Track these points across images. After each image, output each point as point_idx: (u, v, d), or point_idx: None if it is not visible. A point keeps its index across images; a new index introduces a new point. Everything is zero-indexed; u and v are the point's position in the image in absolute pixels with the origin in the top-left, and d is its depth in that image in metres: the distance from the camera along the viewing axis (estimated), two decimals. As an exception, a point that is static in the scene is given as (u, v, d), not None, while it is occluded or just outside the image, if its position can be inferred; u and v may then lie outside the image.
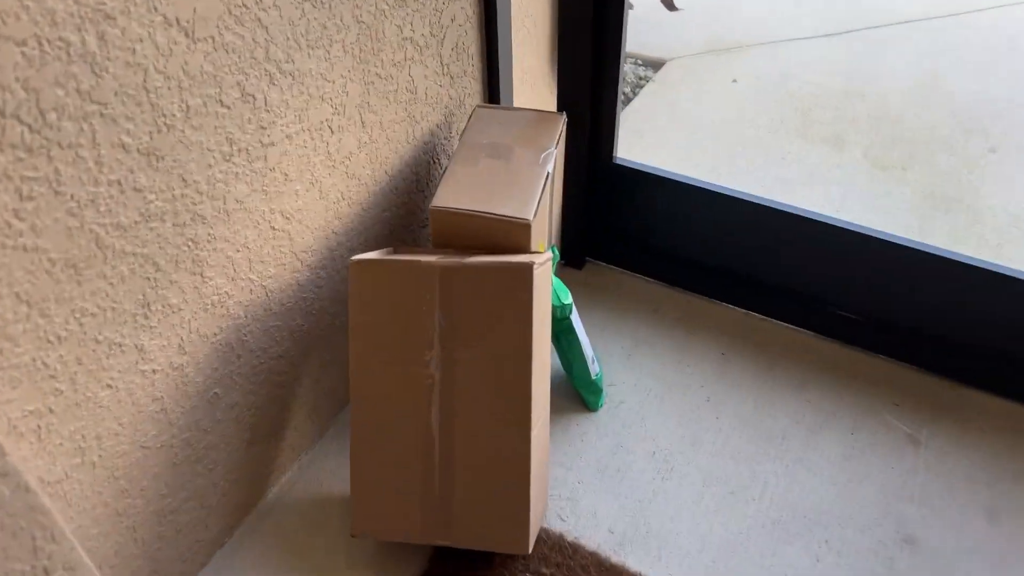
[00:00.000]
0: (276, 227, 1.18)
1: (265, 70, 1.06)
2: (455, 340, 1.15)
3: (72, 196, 0.89)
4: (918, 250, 1.48)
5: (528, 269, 1.12)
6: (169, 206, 1.00)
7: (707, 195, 1.58)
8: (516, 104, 1.72)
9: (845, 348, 1.61)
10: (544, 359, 1.22)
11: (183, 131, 0.98)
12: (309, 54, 1.12)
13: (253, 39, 1.03)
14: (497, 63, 1.53)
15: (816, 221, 1.51)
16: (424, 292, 1.15)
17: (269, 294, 1.21)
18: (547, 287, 1.23)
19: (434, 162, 1.50)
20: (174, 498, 1.17)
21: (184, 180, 1.01)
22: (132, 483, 1.09)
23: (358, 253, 1.37)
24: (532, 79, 1.79)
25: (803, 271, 1.59)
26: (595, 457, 1.42)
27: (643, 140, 2.21)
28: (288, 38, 1.08)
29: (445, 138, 1.51)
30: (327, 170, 1.23)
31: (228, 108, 1.03)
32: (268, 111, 1.09)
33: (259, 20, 1.03)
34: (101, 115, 0.88)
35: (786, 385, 1.54)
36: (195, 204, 1.03)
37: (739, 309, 1.69)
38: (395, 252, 1.30)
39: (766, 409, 1.50)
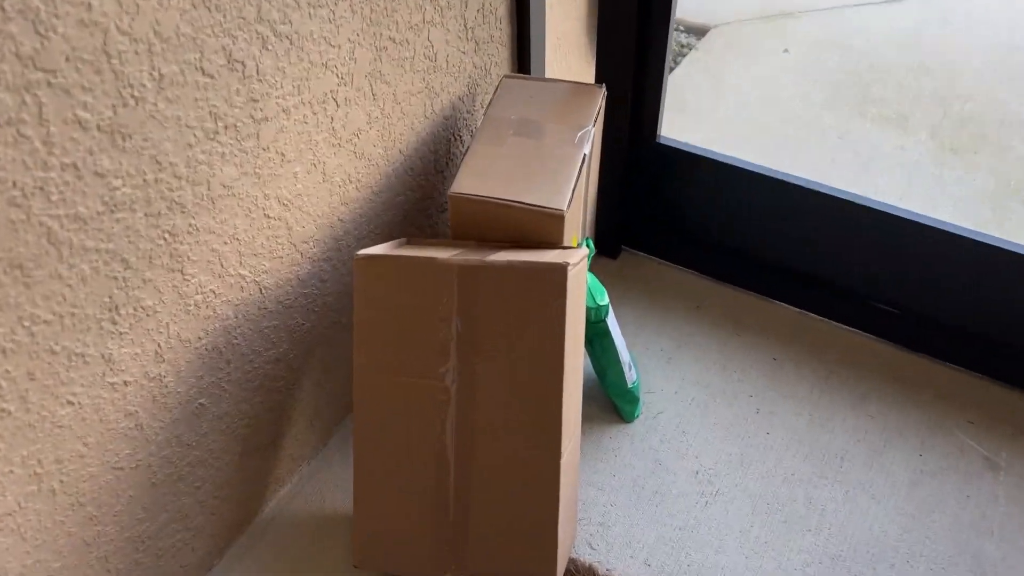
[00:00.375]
0: (271, 215, 1.02)
1: (257, 32, 0.90)
2: (474, 350, 0.99)
3: (14, 183, 0.73)
4: (995, 246, 1.30)
5: (562, 271, 0.96)
6: (140, 193, 0.85)
7: (759, 180, 1.40)
8: (549, 75, 1.54)
9: (913, 355, 1.43)
10: (576, 371, 1.07)
11: (155, 104, 0.82)
12: (310, 14, 0.96)
13: (241, -5, 0.86)
14: (528, 27, 1.36)
15: (880, 212, 1.34)
16: (440, 294, 0.99)
17: (264, 291, 1.06)
18: (582, 289, 1.07)
19: (455, 139, 1.33)
20: (153, 522, 1.03)
21: (158, 163, 0.85)
22: (102, 509, 0.96)
23: (367, 244, 1.21)
24: (567, 46, 1.61)
25: (865, 267, 1.41)
26: (630, 476, 1.27)
27: (683, 115, 2.02)
28: (284, -6, 0.91)
29: (468, 112, 1.34)
30: (332, 149, 1.07)
31: (211, 77, 0.87)
32: (261, 81, 0.93)
33: (248, -28, 0.86)
34: (49, 85, 0.73)
35: (846, 397, 1.37)
36: (172, 190, 0.88)
37: (793, 308, 1.51)
38: (408, 244, 1.14)
39: (823, 424, 1.33)
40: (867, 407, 1.36)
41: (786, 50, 2.24)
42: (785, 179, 1.38)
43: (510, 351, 0.98)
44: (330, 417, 1.30)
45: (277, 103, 0.96)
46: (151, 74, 0.81)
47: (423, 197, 1.31)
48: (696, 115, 2.02)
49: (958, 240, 1.30)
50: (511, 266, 0.97)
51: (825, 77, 2.13)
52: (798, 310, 1.51)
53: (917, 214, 1.33)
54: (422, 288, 0.99)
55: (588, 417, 1.34)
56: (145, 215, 0.86)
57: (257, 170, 0.97)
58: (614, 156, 1.47)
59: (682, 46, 2.30)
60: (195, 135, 0.88)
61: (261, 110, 0.95)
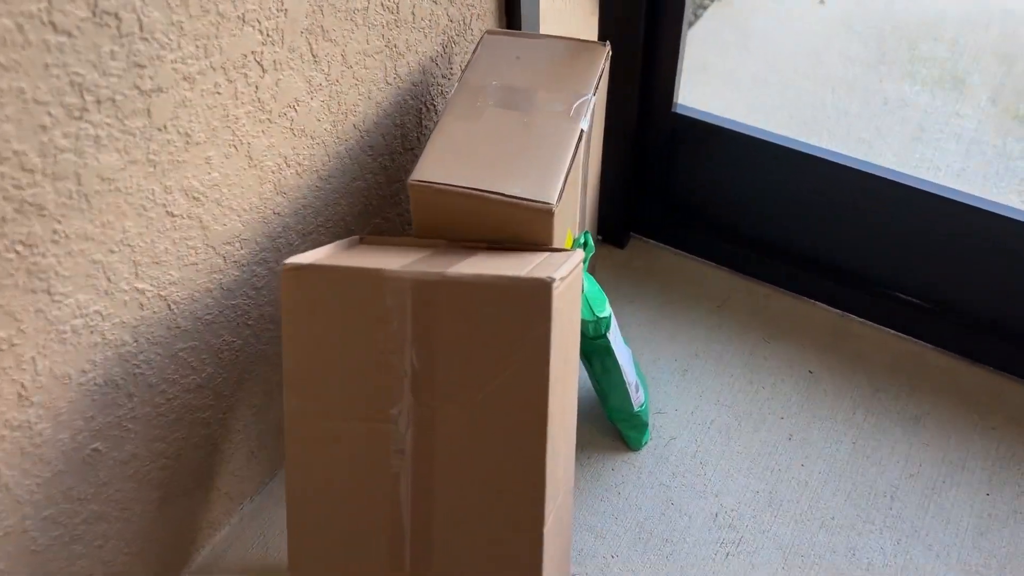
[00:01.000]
0: (176, 212, 0.80)
1: (134, -27, 0.67)
2: (434, 389, 0.77)
3: None
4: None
5: (545, 289, 0.73)
6: (-30, 193, 0.63)
7: (792, 156, 1.16)
8: (544, 29, 1.30)
9: (977, 367, 1.20)
10: (567, 407, 0.85)
11: (-19, 73, 0.60)
12: (215, -50, 0.72)
13: (105, -79, 0.63)
14: (518, -28, 1.11)
15: (936, 195, 1.10)
16: (389, 317, 0.77)
17: (173, 307, 0.84)
18: (575, 305, 0.84)
19: (427, 109, 1.10)
20: (38, 595, 0.83)
21: (-5, 151, 0.63)
22: (-41, 591, 0.75)
23: (315, 241, 0.99)
24: (567, -4, 1.36)
25: (919, 261, 1.17)
26: (636, 520, 1.05)
27: (705, 77, 1.77)
28: (172, -78, 0.68)
29: (443, 76, 1.11)
30: (258, 126, 0.85)
31: (69, 35, 0.64)
32: (148, 39, 0.70)
33: None
34: None
35: (896, 419, 1.15)
36: (21, 188, 0.66)
37: (832, 309, 1.28)
38: (360, 246, 0.92)
39: (869, 454, 1.11)
40: (922, 433, 1.13)
41: (823, 1, 1.97)
42: (822, 155, 1.14)
43: (479, 390, 0.76)
44: (276, 446, 1.09)
45: (175, 69, 0.73)
46: (-31, 31, 0.58)
47: (389, 180, 1.08)
48: (719, 78, 1.77)
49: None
50: (480, 282, 0.75)
51: (868, 32, 1.86)
52: (839, 312, 1.28)
53: (980, 199, 1.09)
54: (366, 309, 0.77)
55: (587, 443, 1.13)
56: (-19, 222, 0.64)
57: (151, 156, 0.75)
58: (622, 128, 1.23)
59: (704, -3, 2.03)
60: (50, 113, 0.65)
61: (151, 78, 0.72)
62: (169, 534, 0.97)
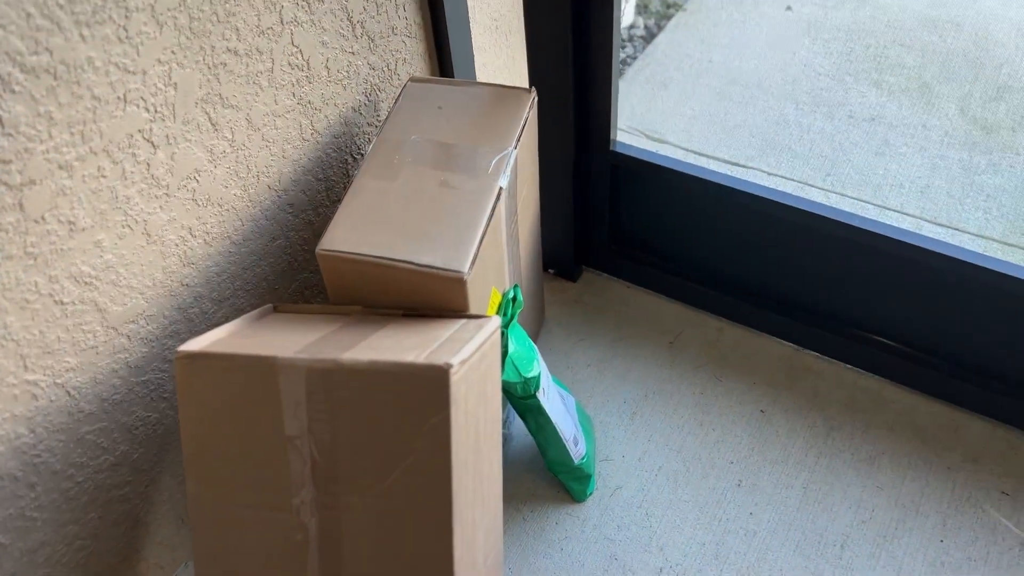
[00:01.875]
0: (65, 300, 0.77)
1: (-10, 69, 0.64)
2: (336, 479, 0.74)
3: None
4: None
5: (442, 377, 0.70)
6: None
7: (736, 195, 1.12)
8: (482, 67, 1.26)
9: (933, 402, 1.17)
10: (484, 483, 0.82)
11: None
12: (82, 35, 0.69)
13: (-53, 21, 0.60)
14: (442, 10, 1.08)
15: (889, 238, 1.05)
16: (285, 405, 0.74)
17: (73, 392, 0.82)
18: (488, 380, 0.81)
19: (353, 159, 1.07)
20: None
21: None
22: None
23: (232, 306, 0.96)
24: (504, 28, 1.32)
25: (873, 296, 1.14)
26: (577, 578, 1.03)
27: (667, 92, 1.73)
28: (29, 14, 0.65)
29: (369, 124, 1.07)
30: (155, 202, 0.82)
31: (-83, 140, 0.61)
32: (11, 134, 0.67)
33: (-45, -13, 0.60)
34: None
35: (849, 461, 1.11)
36: None
37: (786, 343, 1.25)
38: (272, 316, 0.89)
39: (821, 499, 1.08)
40: (876, 475, 1.10)
41: (789, 7, 1.92)
42: (767, 196, 1.10)
43: (381, 480, 0.74)
44: (189, 522, 1.06)
45: (47, 159, 0.70)
46: None
47: (315, 235, 1.05)
48: (680, 95, 1.72)
49: (985, 274, 1.02)
50: (375, 369, 0.72)
51: (835, 38, 1.81)
52: (793, 346, 1.24)
53: (935, 241, 1.05)
54: (261, 397, 0.74)
55: (529, 496, 1.10)
56: None
57: (30, 249, 0.72)
58: (560, 167, 1.19)
59: (668, 6, 1.98)
60: (-96, 222, 0.63)
61: (20, 172, 0.69)
62: (94, 612, 0.95)
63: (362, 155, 1.08)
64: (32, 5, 0.65)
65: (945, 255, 1.03)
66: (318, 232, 1.05)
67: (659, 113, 1.68)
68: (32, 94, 0.67)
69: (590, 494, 1.10)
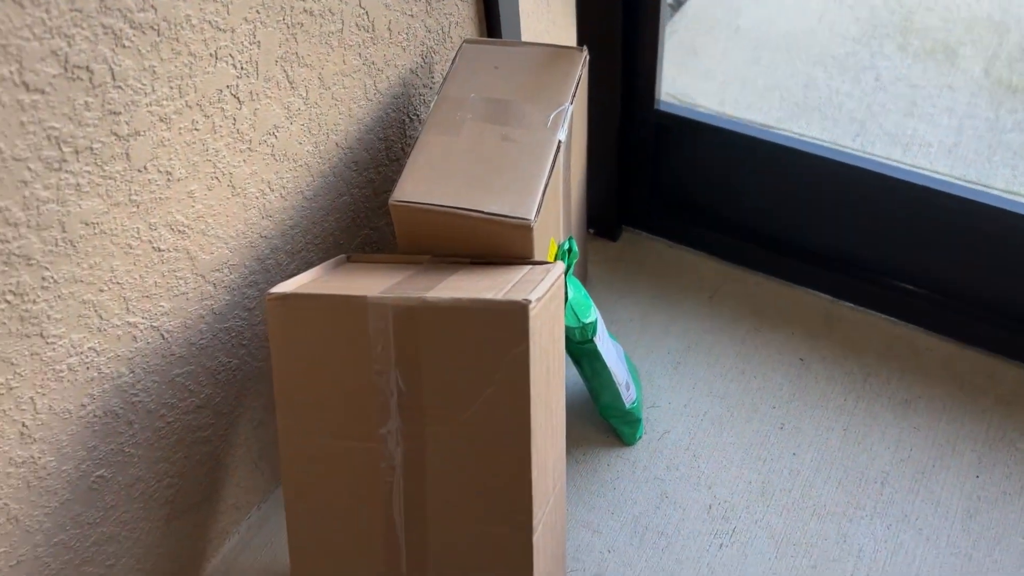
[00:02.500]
0: (162, 247, 0.82)
1: (103, 26, 0.68)
2: (421, 409, 0.80)
3: None
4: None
5: (522, 312, 0.75)
6: (-41, 251, 0.65)
7: (776, 150, 1.17)
8: (527, 30, 1.30)
9: (967, 350, 1.21)
10: (553, 414, 0.87)
11: (-41, 137, 0.62)
12: (182, -7, 0.74)
13: (70, -21, 0.65)
14: (494, -23, 1.12)
15: (922, 186, 1.10)
16: (373, 342, 0.79)
17: (167, 336, 0.87)
18: (557, 318, 0.86)
19: (410, 120, 1.11)
20: (54, 616, 0.87)
21: (-21, 209, 0.65)
22: (-23, 619, 0.79)
23: (304, 259, 1.01)
24: (547, -6, 1.36)
25: (908, 246, 1.18)
26: (631, 514, 1.08)
27: (696, 60, 1.76)
28: (138, -28, 0.69)
29: (425, 85, 1.12)
30: (239, 156, 0.87)
31: (42, 92, 0.66)
32: (121, 87, 0.72)
33: (77, -53, 0.65)
34: None
35: (886, 404, 1.16)
36: (6, 242, 0.68)
37: (823, 295, 1.29)
38: (347, 266, 0.94)
39: (859, 440, 1.13)
40: (912, 417, 1.15)
41: (814, -27, 1.95)
42: (805, 148, 1.14)
43: (464, 409, 0.79)
44: (278, 457, 1.12)
45: (150, 112, 0.75)
46: (-56, 99, 0.60)
47: (376, 192, 1.10)
48: (710, 61, 1.76)
49: (1017, 219, 1.07)
50: (459, 306, 0.77)
51: (860, 3, 1.85)
52: (829, 297, 1.29)
53: (965, 187, 1.09)
54: (350, 335, 0.79)
55: (581, 440, 1.15)
56: (-29, 277, 0.67)
57: (133, 197, 0.77)
58: (605, 127, 1.23)
59: (694, -26, 2.01)
60: (29, 168, 0.68)
61: (127, 123, 0.74)
62: (178, 548, 1.01)
63: (418, 116, 1.12)
64: (142, -36, 0.69)
65: (977, 201, 1.07)
66: (378, 190, 1.10)
67: (690, 78, 1.72)
68: (139, 49, 0.72)
69: (639, 438, 1.15)
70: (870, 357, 1.22)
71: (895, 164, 1.12)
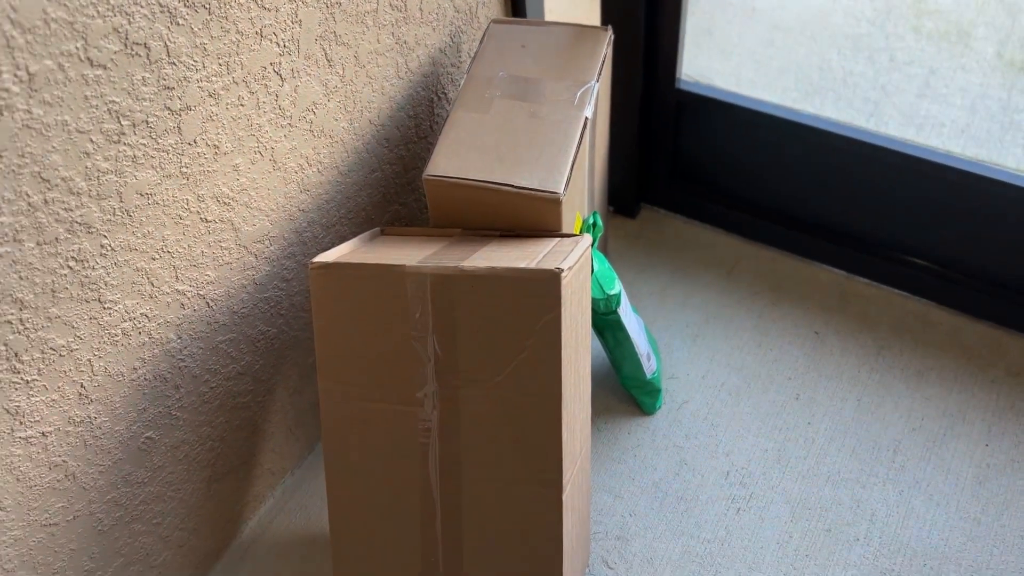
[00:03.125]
0: (209, 218, 0.86)
1: (160, 4, 0.72)
2: (456, 373, 0.84)
3: None
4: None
5: (554, 280, 0.79)
6: (26, 220, 0.69)
7: (793, 127, 1.20)
8: (549, 11, 1.33)
9: (977, 323, 1.25)
10: (581, 382, 0.91)
11: (28, 111, 0.66)
12: (231, -27, 0.77)
13: (131, -41, 0.68)
14: (520, -41, 1.15)
15: (936, 163, 1.13)
16: (411, 308, 0.83)
17: (212, 303, 0.91)
18: (584, 289, 0.90)
19: (438, 98, 1.14)
20: (106, 569, 0.92)
21: (45, 180, 0.69)
22: (35, 570, 0.84)
23: (338, 232, 1.05)
24: (570, -25, 1.39)
25: (921, 223, 1.21)
26: (651, 480, 1.12)
27: (711, 41, 1.79)
28: (192, -47, 0.73)
29: (452, 65, 1.15)
30: (280, 131, 0.90)
31: (104, 68, 0.70)
32: (174, 63, 0.75)
33: (137, -71, 0.68)
34: None
35: (899, 375, 1.20)
36: (70, 210, 0.72)
37: (838, 271, 1.33)
38: (381, 238, 0.97)
39: (873, 410, 1.17)
40: (924, 388, 1.18)
41: (828, -45, 1.96)
42: (820, 125, 1.18)
43: (497, 373, 0.83)
44: (313, 423, 1.16)
45: (200, 87, 0.79)
46: (16, 75, 0.64)
47: (405, 169, 1.13)
48: (725, 41, 1.79)
49: (1034, 191, 1.10)
50: (494, 274, 0.80)
51: (874, -15, 1.87)
52: (844, 273, 1.32)
53: (977, 164, 1.12)
54: (389, 302, 0.83)
55: (603, 409, 1.19)
56: (37, 244, 0.71)
57: (184, 169, 0.81)
58: (627, 105, 1.27)
59: (709, -44, 2.03)
60: (92, 140, 0.71)
61: (180, 98, 0.77)
62: (219, 509, 1.05)
63: (446, 94, 1.16)
64: (196, -54, 0.72)
65: (989, 178, 1.11)
66: (408, 167, 1.14)
67: (705, 59, 1.75)
68: (192, 27, 0.75)
69: (659, 407, 1.19)
70: (883, 330, 1.25)
71: (908, 142, 1.15)
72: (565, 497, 0.85)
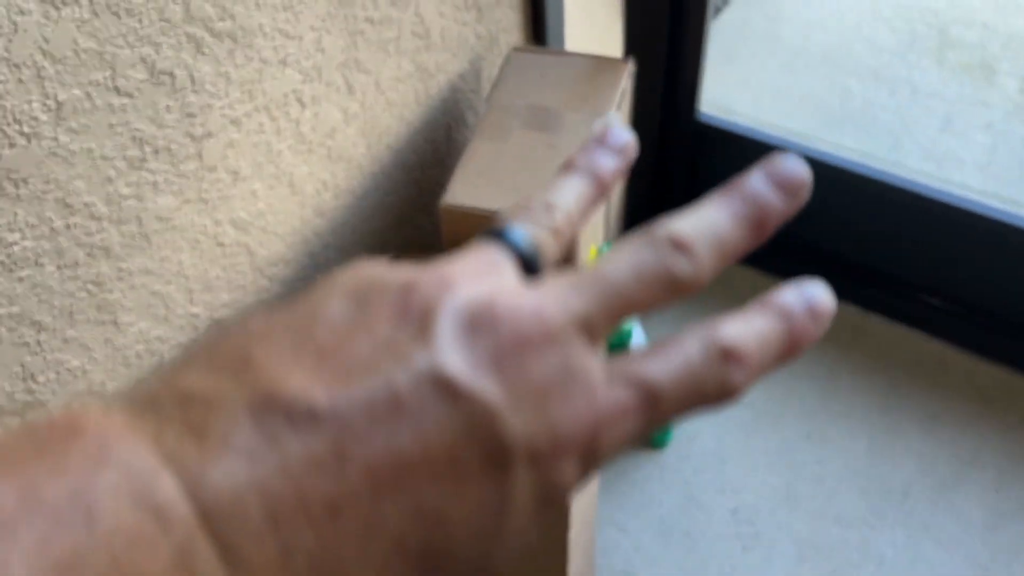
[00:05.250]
0: (225, 242, 0.86)
1: (187, 34, 0.72)
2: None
3: None
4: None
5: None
6: (48, 244, 0.70)
7: (813, 164, 1.19)
8: (571, 37, 1.33)
9: (993, 366, 1.24)
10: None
11: (55, 139, 0.66)
12: (258, 4, 0.78)
13: (159, -10, 0.69)
14: (544, -14, 1.15)
15: (956, 207, 1.12)
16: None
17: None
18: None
19: (456, 124, 1.15)
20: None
21: (68, 205, 0.70)
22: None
23: (350, 255, 1.05)
24: (592, 2, 1.39)
25: (939, 262, 1.21)
26: (658, 515, 1.12)
27: (732, 68, 1.79)
28: (219, -17, 0.73)
29: (472, 91, 1.15)
30: (300, 157, 0.90)
31: (130, 96, 0.70)
32: (198, 91, 0.76)
33: (166, -40, 0.68)
34: None
35: (912, 417, 1.19)
36: (90, 235, 0.73)
37: (853, 307, 1.32)
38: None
39: (884, 451, 1.16)
40: (938, 431, 1.17)
41: (853, -15, 1.96)
42: (842, 164, 1.17)
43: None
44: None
45: (223, 114, 0.79)
46: (44, 102, 0.65)
47: (420, 193, 1.14)
48: (746, 69, 1.79)
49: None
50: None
51: (897, 15, 1.86)
52: (859, 309, 1.31)
53: (996, 208, 1.12)
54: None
55: (612, 440, 1.19)
56: (58, 268, 0.71)
57: (203, 195, 0.81)
58: (646, 134, 1.26)
59: (733, -19, 2.03)
60: (115, 167, 0.72)
61: (202, 125, 0.78)
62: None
63: (464, 121, 1.16)
64: (224, -23, 0.73)
65: (1007, 223, 1.10)
66: (423, 191, 1.14)
67: (726, 87, 1.74)
68: (217, 56, 0.76)
69: (669, 442, 1.18)
70: (897, 370, 1.24)
71: (928, 184, 1.14)
72: (571, 536, 0.85)
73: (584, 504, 0.90)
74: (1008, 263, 1.15)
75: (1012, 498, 1.10)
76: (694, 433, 1.19)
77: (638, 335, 1.09)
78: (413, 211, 1.14)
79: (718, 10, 1.97)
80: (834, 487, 1.13)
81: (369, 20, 0.91)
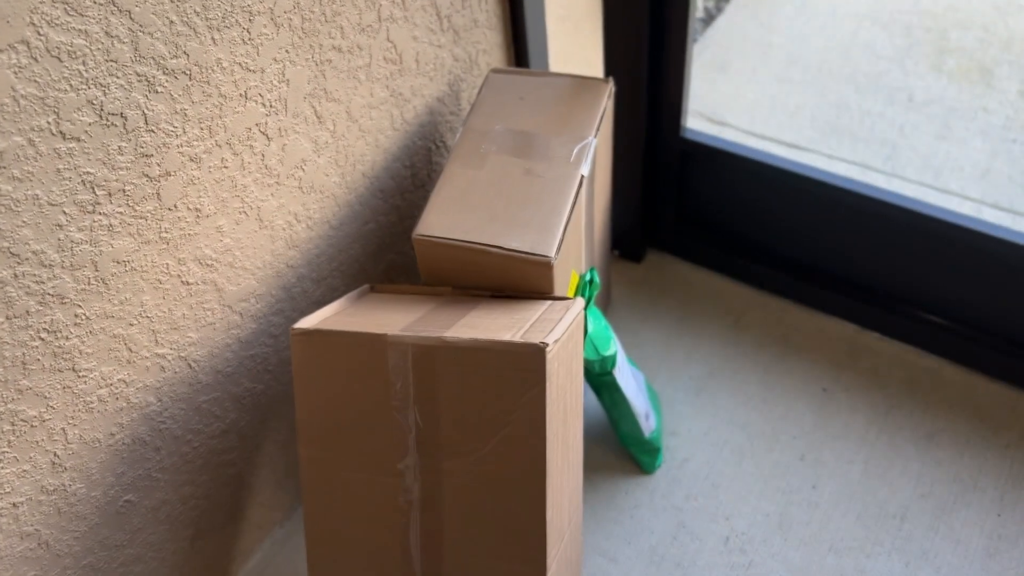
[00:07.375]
0: (191, 281, 0.84)
1: (137, 74, 0.70)
2: (439, 445, 0.81)
3: None
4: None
5: (538, 355, 0.76)
6: (-5, 293, 0.68)
7: (802, 180, 1.16)
8: (554, 56, 1.31)
9: (992, 383, 1.20)
10: (570, 449, 0.88)
11: (-3, 186, 0.64)
12: (214, 38, 0.75)
13: (106, 33, 0.67)
14: (522, 3, 1.12)
15: (951, 223, 1.09)
16: (392, 379, 0.80)
17: (194, 364, 0.89)
18: (575, 355, 0.87)
19: (436, 147, 1.12)
20: (83, 634, 0.90)
21: (15, 255, 0.68)
22: (10, 638, 0.82)
23: (329, 285, 1.03)
24: (576, 18, 1.37)
25: (934, 279, 1.17)
26: (648, 543, 1.09)
27: (726, 75, 1.76)
28: (172, 22, 0.71)
29: (452, 113, 1.13)
30: (267, 190, 0.88)
31: (77, 140, 0.68)
32: (152, 130, 0.74)
33: (113, 2, 0.66)
34: None
35: (909, 437, 1.16)
36: (41, 282, 0.71)
37: (848, 323, 1.29)
38: (369, 296, 0.95)
39: (881, 474, 1.13)
40: (935, 451, 1.14)
41: (849, -12, 1.92)
42: (832, 181, 1.14)
43: (481, 445, 0.80)
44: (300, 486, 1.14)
45: (181, 152, 0.77)
46: (-17, 151, 0.63)
47: (401, 219, 1.11)
48: (741, 77, 1.75)
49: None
50: (477, 347, 0.78)
51: (895, 21, 1.82)
52: (855, 326, 1.28)
53: (994, 225, 1.08)
54: (370, 370, 0.81)
55: (601, 466, 1.16)
56: (7, 319, 0.69)
57: (163, 234, 0.79)
58: (631, 153, 1.24)
59: (727, -13, 2.00)
60: (65, 212, 0.70)
61: (159, 165, 0.76)
62: (203, 567, 1.03)
63: (444, 143, 1.13)
64: (174, 13, 0.71)
65: (1004, 239, 1.06)
66: (404, 216, 1.12)
67: (720, 96, 1.71)
68: (171, 94, 0.74)
69: (659, 466, 1.15)
70: (894, 388, 1.21)
71: (921, 200, 1.11)
72: (550, 575, 0.82)
73: (565, 544, 0.88)
74: (1005, 279, 1.12)
75: (1013, 522, 1.06)
76: (685, 456, 1.16)
77: (633, 386, 1.07)
78: (394, 238, 1.12)
79: (711, 17, 1.94)
80: (829, 512, 1.09)
81: (336, 49, 0.89)
